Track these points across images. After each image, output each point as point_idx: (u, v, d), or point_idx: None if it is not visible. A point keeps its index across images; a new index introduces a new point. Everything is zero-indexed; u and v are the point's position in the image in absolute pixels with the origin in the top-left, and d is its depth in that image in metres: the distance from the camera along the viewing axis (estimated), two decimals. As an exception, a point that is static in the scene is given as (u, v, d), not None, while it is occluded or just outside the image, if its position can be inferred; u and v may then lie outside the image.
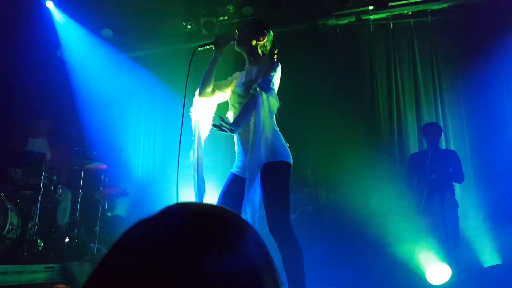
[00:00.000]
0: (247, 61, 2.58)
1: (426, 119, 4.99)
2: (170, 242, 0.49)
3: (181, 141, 2.38)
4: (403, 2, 5.31)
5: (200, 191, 2.38)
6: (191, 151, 2.46)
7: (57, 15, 5.73)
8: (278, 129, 2.45)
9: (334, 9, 5.49)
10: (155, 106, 6.11)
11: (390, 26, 5.44)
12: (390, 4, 5.33)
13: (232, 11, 5.68)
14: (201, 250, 0.48)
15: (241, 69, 2.64)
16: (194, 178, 2.42)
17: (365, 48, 5.47)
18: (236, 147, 2.48)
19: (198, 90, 2.53)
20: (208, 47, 2.52)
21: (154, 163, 5.94)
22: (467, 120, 4.92)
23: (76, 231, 4.20)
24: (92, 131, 5.18)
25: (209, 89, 2.52)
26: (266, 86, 2.29)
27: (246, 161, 2.35)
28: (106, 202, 4.75)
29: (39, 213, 3.80)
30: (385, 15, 5.45)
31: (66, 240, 4.06)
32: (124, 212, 5.27)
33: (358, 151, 4.71)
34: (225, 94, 2.59)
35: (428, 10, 5.29)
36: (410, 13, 5.36)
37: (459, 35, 5.16)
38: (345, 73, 5.42)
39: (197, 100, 2.53)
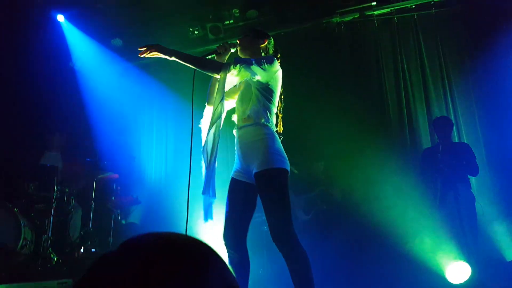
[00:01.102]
0: None
1: (436, 112, 4.61)
2: (128, 283, 0.47)
3: (192, 151, 2.20)
4: (405, -5, 4.99)
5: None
6: (202, 162, 2.21)
7: (68, 28, 5.48)
8: (275, 130, 2.24)
9: (338, 6, 5.21)
10: (165, 113, 5.82)
11: (395, 20, 5.11)
12: (392, -2, 5.03)
13: (237, 14, 5.46)
14: None
15: None
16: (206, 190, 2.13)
17: (370, 44, 5.16)
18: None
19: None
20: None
21: (166, 170, 5.67)
22: (478, 111, 4.56)
23: (89, 243, 3.94)
24: (103, 141, 4.94)
25: None
26: (243, 60, 2.20)
27: (243, 165, 2.20)
28: (119, 211, 4.52)
29: (52, 226, 3.55)
30: (388, 9, 5.12)
31: (81, 251, 3.79)
32: (138, 219, 5.03)
33: (369, 148, 4.39)
34: (234, 101, 2.42)
35: (431, 2, 4.95)
36: (413, 6, 5.04)
37: (464, 25, 4.84)
38: (352, 69, 5.14)
39: (207, 109, 2.36)
